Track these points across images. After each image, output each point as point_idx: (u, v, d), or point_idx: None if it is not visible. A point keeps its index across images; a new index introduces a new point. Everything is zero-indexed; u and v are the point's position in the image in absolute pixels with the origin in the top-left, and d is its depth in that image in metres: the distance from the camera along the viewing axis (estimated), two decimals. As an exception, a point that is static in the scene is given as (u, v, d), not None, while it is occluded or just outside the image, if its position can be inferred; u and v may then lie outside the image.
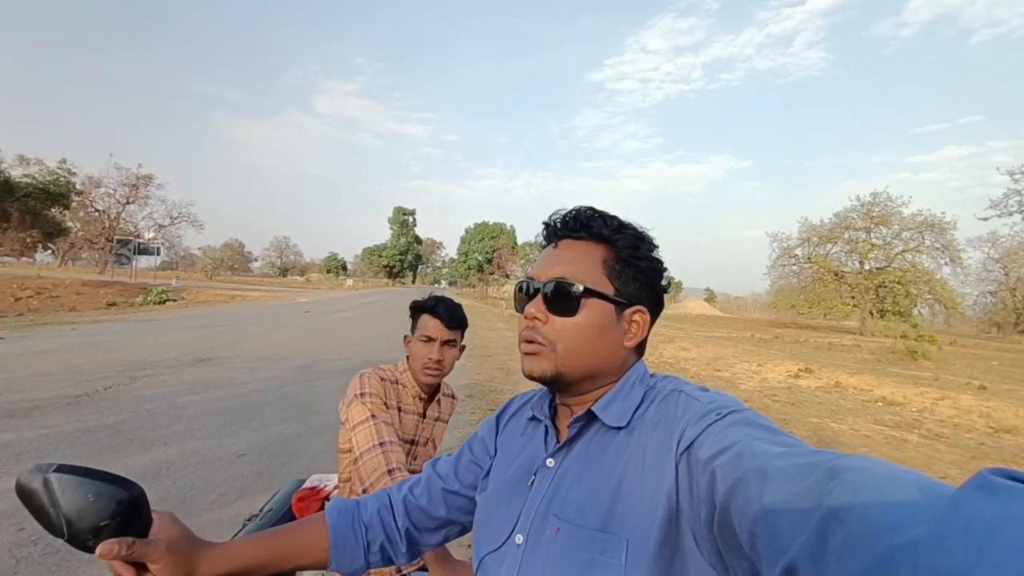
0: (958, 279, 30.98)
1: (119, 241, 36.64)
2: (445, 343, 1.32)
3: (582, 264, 0.66)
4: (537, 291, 0.68)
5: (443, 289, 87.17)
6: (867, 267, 32.07)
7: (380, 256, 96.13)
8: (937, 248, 29.83)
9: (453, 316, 1.32)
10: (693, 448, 0.52)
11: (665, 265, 0.71)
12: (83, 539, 0.60)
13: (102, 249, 42.24)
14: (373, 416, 1.21)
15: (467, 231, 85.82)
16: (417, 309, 1.35)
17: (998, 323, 40.14)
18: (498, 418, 0.83)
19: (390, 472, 1.11)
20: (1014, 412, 7.37)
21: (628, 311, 0.67)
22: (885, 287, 30.29)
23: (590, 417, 0.65)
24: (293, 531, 0.76)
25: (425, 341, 1.31)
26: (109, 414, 4.78)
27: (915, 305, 30.47)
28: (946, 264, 29.89)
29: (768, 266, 36.64)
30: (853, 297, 31.98)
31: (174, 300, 22.51)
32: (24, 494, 0.61)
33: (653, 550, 0.53)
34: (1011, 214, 17.65)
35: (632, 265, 0.67)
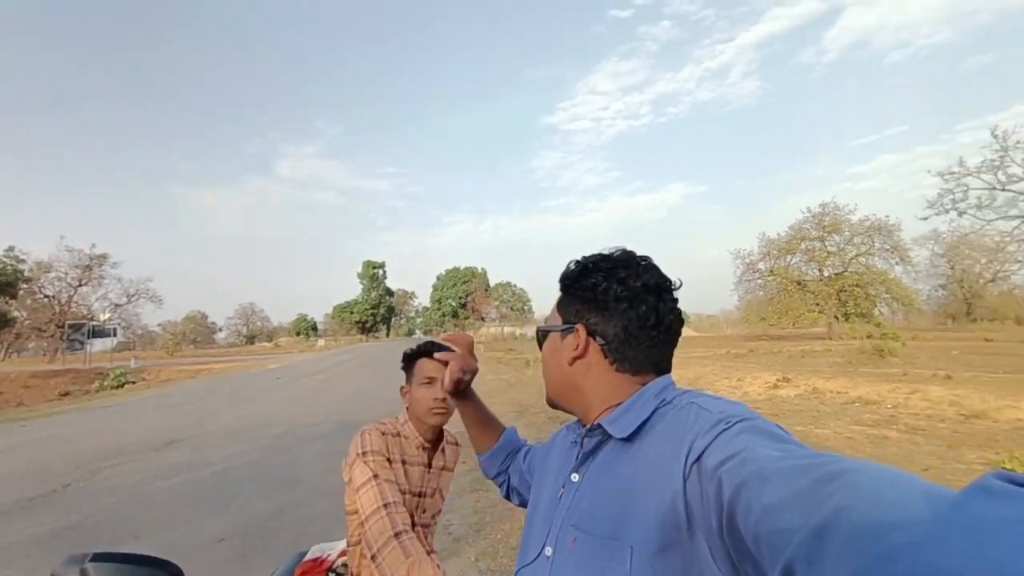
0: (910, 277, 32.94)
1: (71, 326, 34.89)
2: None
3: (552, 313, 0.82)
4: None
5: (419, 338, 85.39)
6: (826, 274, 33.60)
7: (351, 312, 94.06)
8: (887, 249, 31.70)
9: None
10: (703, 458, 0.52)
11: (620, 272, 0.72)
12: None
13: (52, 336, 40.05)
14: (376, 476, 1.17)
15: (439, 278, 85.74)
16: (412, 357, 1.35)
17: (952, 314, 42.36)
18: (552, 439, 0.92)
19: (397, 536, 1.08)
20: (980, 398, 7.69)
21: (566, 334, 0.75)
22: (846, 291, 31.73)
23: (603, 431, 0.68)
24: (491, 417, 1.11)
25: (427, 384, 1.30)
26: (70, 513, 4.42)
27: (875, 305, 31.95)
28: (897, 264, 31.79)
29: (735, 282, 37.94)
30: (817, 304, 33.27)
31: (134, 382, 21.34)
32: None
33: (658, 557, 0.54)
34: (947, 211, 18.95)
35: (568, 293, 0.77)
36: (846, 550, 0.30)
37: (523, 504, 0.99)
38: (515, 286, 78.74)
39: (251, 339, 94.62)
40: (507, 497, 1.08)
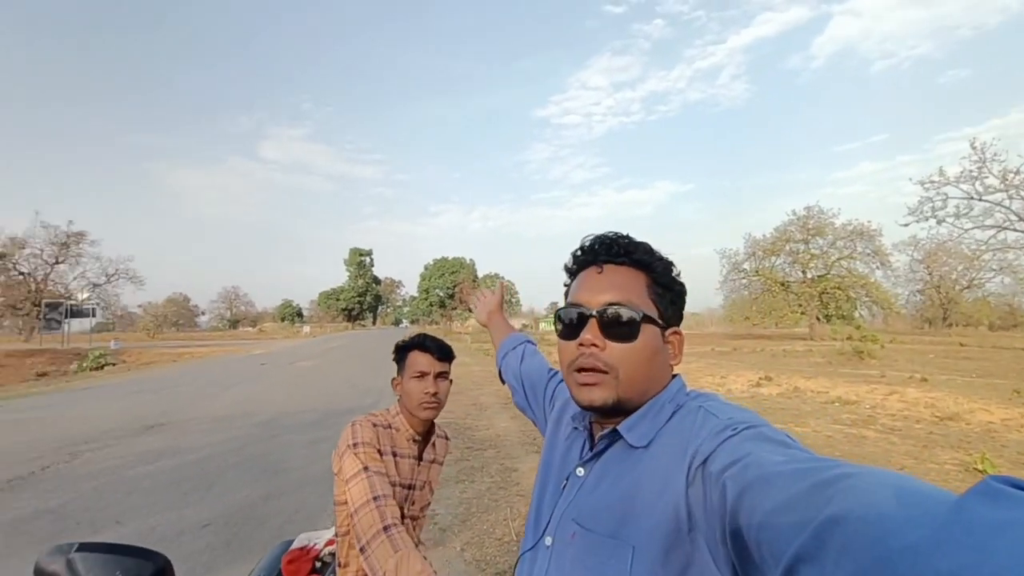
0: (889, 281, 33.72)
1: (48, 304, 34.05)
2: (438, 376, 1.32)
3: (633, 290, 0.67)
4: (588, 317, 0.66)
5: (405, 328, 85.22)
6: (809, 276, 34.17)
7: (338, 300, 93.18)
8: (868, 254, 32.33)
9: (442, 348, 1.34)
10: (707, 463, 0.52)
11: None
12: None
13: (27, 315, 38.98)
14: (366, 468, 1.16)
15: (426, 268, 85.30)
16: (404, 348, 1.35)
17: (928, 319, 43.41)
18: (556, 399, 0.94)
19: (386, 529, 1.07)
20: (954, 401, 7.94)
21: (668, 332, 0.69)
22: (828, 293, 32.33)
23: (617, 433, 0.67)
24: (506, 330, 1.34)
25: (419, 377, 1.30)
26: (50, 497, 4.34)
27: (855, 308, 32.65)
28: (877, 268, 32.47)
29: (720, 281, 38.40)
30: (800, 305, 33.85)
31: (114, 364, 20.94)
32: None
33: (660, 559, 0.54)
34: (927, 219, 19.46)
35: (671, 289, 0.70)
36: (846, 553, 0.30)
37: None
38: (503, 278, 78.67)
39: (234, 323, 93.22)
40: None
